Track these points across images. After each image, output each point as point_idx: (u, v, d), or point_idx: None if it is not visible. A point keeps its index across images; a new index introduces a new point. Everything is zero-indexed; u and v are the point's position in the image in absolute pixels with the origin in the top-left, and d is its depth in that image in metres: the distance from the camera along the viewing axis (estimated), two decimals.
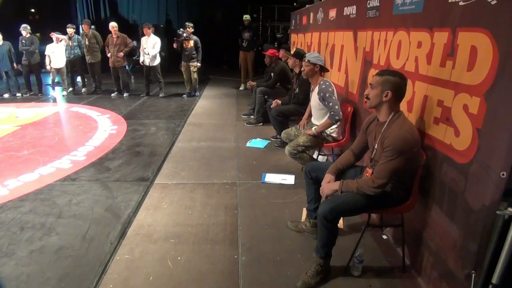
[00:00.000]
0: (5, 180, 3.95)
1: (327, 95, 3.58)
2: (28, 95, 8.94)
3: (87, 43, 8.67)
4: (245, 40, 9.27)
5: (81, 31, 10.90)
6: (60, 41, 8.67)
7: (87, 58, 8.88)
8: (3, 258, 2.63)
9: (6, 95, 8.76)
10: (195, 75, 8.68)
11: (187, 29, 8.19)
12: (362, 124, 3.47)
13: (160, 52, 8.56)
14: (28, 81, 9.00)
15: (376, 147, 2.30)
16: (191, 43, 8.25)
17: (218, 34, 14.09)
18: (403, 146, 2.09)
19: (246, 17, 9.32)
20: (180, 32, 8.21)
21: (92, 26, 9.52)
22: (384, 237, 2.92)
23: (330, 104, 3.58)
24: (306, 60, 3.72)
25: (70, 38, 8.89)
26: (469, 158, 1.92)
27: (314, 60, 3.68)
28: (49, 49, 8.56)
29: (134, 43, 8.91)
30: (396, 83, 2.16)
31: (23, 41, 8.49)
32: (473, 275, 1.87)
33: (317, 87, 3.71)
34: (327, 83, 3.65)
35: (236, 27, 9.65)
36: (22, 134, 5.75)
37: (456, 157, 2.03)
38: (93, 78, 9.22)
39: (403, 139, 2.09)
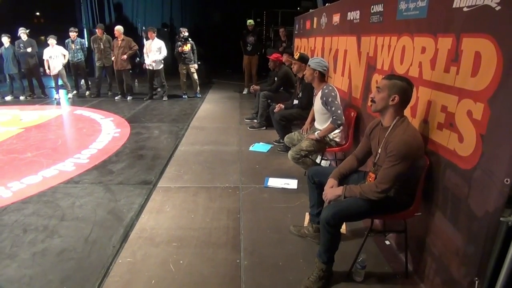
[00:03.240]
0: (9, 182, 3.96)
1: (330, 99, 3.59)
2: (31, 98, 8.98)
3: (102, 47, 8.70)
4: (250, 45, 9.34)
5: (85, 34, 10.92)
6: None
7: (99, 62, 8.88)
8: (6, 260, 2.63)
9: (8, 98, 8.80)
10: (195, 76, 9.04)
11: (182, 33, 8.61)
12: (365, 129, 3.48)
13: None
14: (31, 84, 9.06)
15: (379, 151, 2.29)
16: (188, 46, 8.63)
17: (222, 38, 14.14)
18: (407, 151, 2.09)
19: (250, 21, 9.38)
20: (181, 37, 8.54)
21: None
22: (387, 242, 2.91)
23: (333, 108, 3.58)
24: (307, 64, 3.76)
25: (72, 42, 8.93)
26: (472, 164, 1.91)
27: (313, 66, 3.70)
28: (46, 53, 8.57)
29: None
30: (404, 88, 2.16)
31: (21, 44, 8.51)
32: (476, 282, 1.86)
33: (320, 91, 3.72)
34: (330, 88, 3.66)
35: (240, 31, 9.70)
36: (26, 136, 5.78)
37: (460, 163, 2.03)
38: (99, 82, 9.24)
39: (407, 144, 2.09)
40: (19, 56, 8.55)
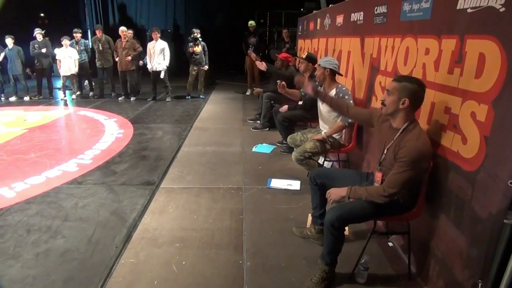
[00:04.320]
0: (13, 183, 3.98)
1: (346, 97, 3.54)
2: (37, 98, 9.03)
3: (100, 48, 8.70)
4: (251, 46, 9.34)
5: (89, 35, 10.93)
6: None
7: (99, 63, 8.89)
8: (10, 260, 2.65)
9: (12, 99, 8.86)
10: (202, 78, 9.08)
11: (194, 34, 8.63)
12: (368, 129, 3.47)
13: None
14: (40, 85, 9.12)
15: (385, 152, 2.28)
16: (200, 48, 8.66)
17: (225, 39, 14.15)
18: (419, 158, 2.06)
19: (251, 23, 9.38)
20: (191, 38, 8.60)
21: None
22: (390, 244, 2.90)
23: None
24: (318, 64, 3.74)
25: (77, 43, 8.93)
26: (476, 166, 1.91)
27: (323, 64, 3.67)
28: (59, 53, 8.60)
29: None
30: (414, 91, 2.10)
31: (36, 45, 8.58)
32: (480, 284, 1.85)
33: (334, 90, 3.64)
34: (345, 88, 3.64)
35: (243, 32, 9.71)
36: (30, 137, 5.80)
37: (464, 164, 2.02)
38: (101, 82, 9.25)
39: (420, 151, 2.06)
40: (25, 56, 8.63)
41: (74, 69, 8.75)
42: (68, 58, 8.63)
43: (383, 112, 2.26)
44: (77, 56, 8.76)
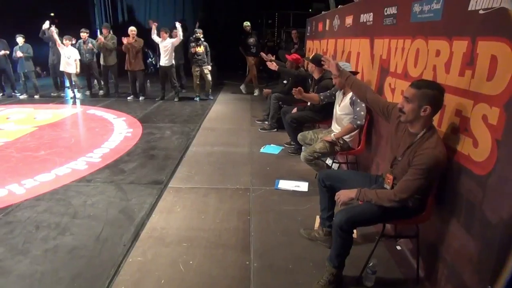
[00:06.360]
0: (22, 180, 4.02)
1: (359, 100, 3.53)
2: (56, 95, 9.25)
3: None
4: (252, 46, 9.30)
5: (98, 35, 11.02)
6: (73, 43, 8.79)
7: (103, 61, 8.94)
8: (18, 256, 2.67)
9: (22, 96, 8.96)
10: (209, 77, 8.99)
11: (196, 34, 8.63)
12: (378, 132, 3.45)
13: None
14: (56, 82, 9.33)
15: (399, 157, 2.25)
16: (202, 48, 8.63)
17: (234, 40, 14.19)
18: (435, 166, 2.04)
19: (246, 23, 9.33)
20: (193, 38, 8.60)
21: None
22: (398, 248, 2.88)
23: (357, 109, 3.55)
24: None
25: (84, 43, 8.95)
26: (487, 170, 1.88)
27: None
28: (60, 50, 8.56)
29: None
30: (435, 97, 2.04)
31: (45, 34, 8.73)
32: None
33: (350, 93, 3.62)
34: None
35: (241, 34, 9.69)
36: (39, 134, 5.86)
37: (474, 168, 1.99)
38: (105, 81, 9.32)
39: (436, 160, 2.03)
40: (35, 55, 8.72)
41: (71, 68, 8.70)
42: (62, 55, 8.56)
43: (402, 120, 2.19)
44: (77, 57, 8.67)
